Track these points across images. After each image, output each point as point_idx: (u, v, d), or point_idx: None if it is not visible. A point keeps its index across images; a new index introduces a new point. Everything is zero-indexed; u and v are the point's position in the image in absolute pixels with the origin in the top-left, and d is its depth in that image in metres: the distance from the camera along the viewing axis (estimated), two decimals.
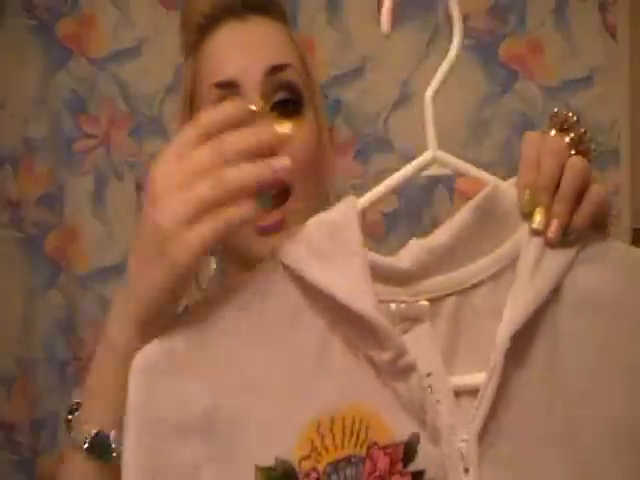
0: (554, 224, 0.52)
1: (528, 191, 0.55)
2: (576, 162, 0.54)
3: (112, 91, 1.19)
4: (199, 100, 0.76)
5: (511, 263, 0.53)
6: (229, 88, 0.73)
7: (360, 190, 1.18)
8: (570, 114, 0.57)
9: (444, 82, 0.61)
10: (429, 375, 0.49)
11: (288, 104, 0.74)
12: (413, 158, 1.21)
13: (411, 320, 0.51)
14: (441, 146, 1.26)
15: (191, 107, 0.77)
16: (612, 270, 0.54)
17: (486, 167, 1.18)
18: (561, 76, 1.15)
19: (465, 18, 1.17)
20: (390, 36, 0.57)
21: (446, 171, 0.56)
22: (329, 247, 0.51)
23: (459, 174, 0.56)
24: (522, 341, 0.50)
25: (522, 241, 0.52)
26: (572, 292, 0.51)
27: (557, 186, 0.53)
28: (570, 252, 0.52)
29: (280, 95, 0.73)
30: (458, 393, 0.50)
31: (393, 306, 0.51)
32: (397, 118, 1.16)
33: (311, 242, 0.51)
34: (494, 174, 1.19)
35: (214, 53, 0.76)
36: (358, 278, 0.49)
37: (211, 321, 0.50)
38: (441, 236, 0.54)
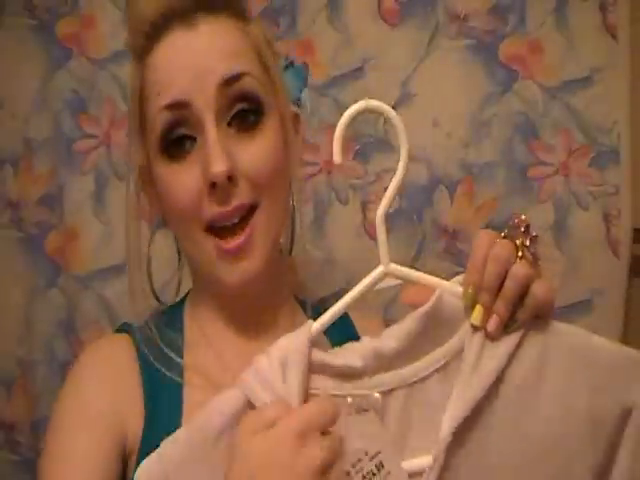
0: (493, 319, 0.57)
1: (471, 289, 0.58)
2: (518, 270, 0.57)
3: (112, 91, 1.19)
4: (149, 121, 0.71)
5: (457, 355, 0.58)
6: (180, 109, 0.68)
7: (360, 190, 1.19)
8: (523, 219, 0.60)
9: (393, 200, 0.66)
10: (378, 454, 0.55)
11: (248, 115, 0.70)
12: (413, 158, 1.22)
13: (365, 411, 0.57)
14: (441, 146, 1.27)
15: (141, 125, 0.73)
16: (550, 360, 0.58)
17: (486, 167, 1.19)
18: (561, 76, 1.15)
19: (465, 18, 1.19)
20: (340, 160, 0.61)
21: (398, 282, 0.60)
22: (274, 377, 0.56)
23: (411, 284, 0.60)
24: (463, 431, 0.56)
25: (467, 335, 0.58)
26: (509, 383, 0.57)
27: (500, 286, 0.57)
28: (510, 344, 0.57)
29: (238, 106, 0.69)
30: (411, 475, 0.57)
31: (349, 399, 0.57)
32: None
33: (259, 371, 0.57)
34: (494, 174, 1.20)
35: (161, 70, 0.69)
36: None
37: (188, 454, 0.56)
38: (390, 341, 0.58)
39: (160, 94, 0.69)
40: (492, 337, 0.57)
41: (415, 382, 0.58)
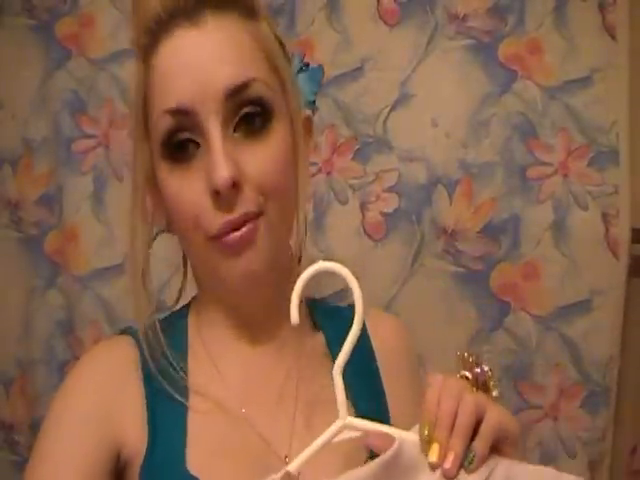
0: (450, 456, 0.57)
1: (427, 428, 0.58)
2: (468, 401, 0.58)
3: (112, 91, 1.19)
4: (152, 123, 0.67)
5: None
6: (183, 115, 0.64)
7: (359, 190, 1.19)
8: (472, 357, 0.62)
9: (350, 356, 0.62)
10: None
11: (254, 118, 0.66)
12: (412, 158, 1.22)
13: None
14: (440, 146, 1.27)
15: (145, 127, 0.69)
16: None
17: (485, 167, 1.19)
18: (561, 76, 1.15)
19: (465, 18, 1.19)
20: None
21: (357, 434, 0.61)
22: None
23: (369, 434, 0.60)
24: None
25: (428, 477, 0.58)
26: None
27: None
28: None
29: (244, 110, 0.65)
30: None
31: None
32: (397, 118, 1.16)
33: None
34: (493, 174, 1.20)
35: (164, 71, 0.66)
36: None
37: None
38: None
39: (163, 97, 0.65)
40: (449, 476, 0.57)
41: None
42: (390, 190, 1.16)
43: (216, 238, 0.65)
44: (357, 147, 1.17)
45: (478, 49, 1.16)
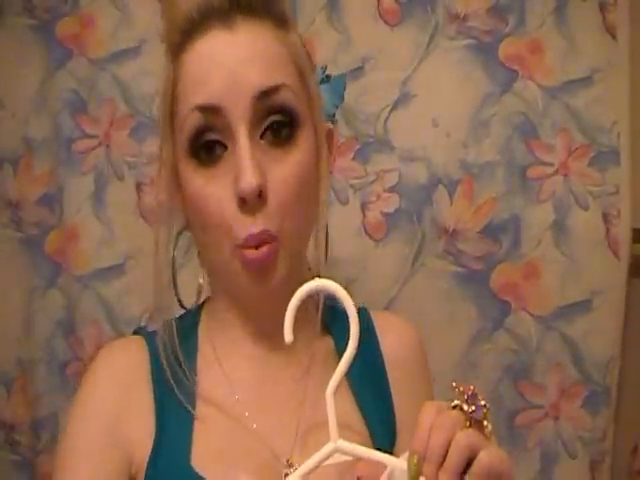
0: None
1: (415, 459, 0.57)
2: (461, 438, 0.56)
3: (112, 91, 1.19)
4: (179, 121, 0.68)
5: None
6: (213, 113, 0.65)
7: (360, 190, 1.19)
8: (468, 387, 0.60)
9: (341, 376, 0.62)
10: None
11: (281, 127, 0.67)
12: (413, 158, 1.22)
13: None
14: (441, 146, 1.27)
15: (172, 124, 0.70)
16: None
17: (486, 167, 1.19)
18: (561, 76, 1.15)
19: (465, 18, 1.19)
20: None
21: (349, 458, 0.60)
22: None
23: (360, 459, 0.60)
24: None
25: None
26: None
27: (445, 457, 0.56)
28: None
29: (272, 118, 0.66)
30: None
31: None
32: (397, 118, 1.16)
33: None
34: (494, 174, 1.20)
35: (196, 67, 0.67)
36: None
37: None
38: None
39: (195, 93, 0.66)
40: None
41: None
42: (391, 190, 1.16)
43: (238, 247, 0.66)
44: (358, 147, 1.16)
45: (479, 49, 1.16)
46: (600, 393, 1.15)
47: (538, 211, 1.14)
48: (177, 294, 0.75)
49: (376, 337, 0.79)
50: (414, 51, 1.16)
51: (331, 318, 0.77)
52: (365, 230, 1.16)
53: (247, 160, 0.63)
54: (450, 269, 1.16)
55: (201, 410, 0.71)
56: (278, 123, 0.66)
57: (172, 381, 0.70)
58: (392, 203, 1.16)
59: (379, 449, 0.61)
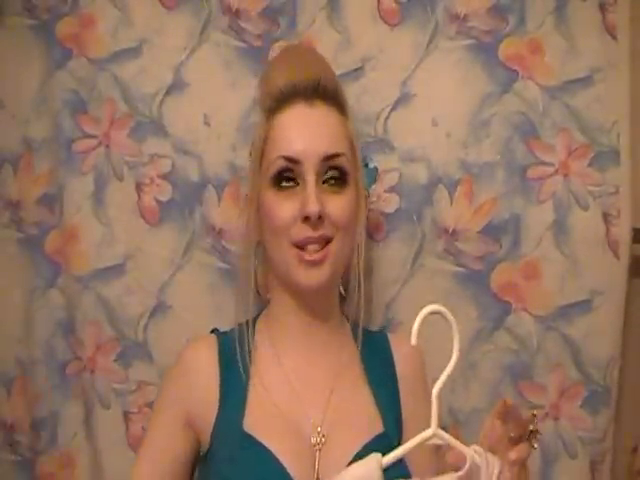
0: None
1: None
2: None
3: (112, 91, 1.19)
4: (266, 162, 0.95)
5: None
6: (293, 162, 0.93)
7: None
8: (533, 413, 0.78)
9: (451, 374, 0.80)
10: None
11: (336, 180, 0.94)
12: (413, 158, 1.22)
13: None
14: (441, 146, 1.27)
15: (260, 163, 0.96)
16: None
17: (486, 167, 1.19)
18: (561, 76, 1.15)
19: (465, 18, 1.19)
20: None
21: (441, 443, 0.76)
22: None
23: (451, 447, 0.76)
24: None
25: None
26: None
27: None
28: None
29: (330, 173, 0.94)
30: None
31: None
32: (397, 118, 1.16)
33: None
34: (494, 174, 1.20)
35: (285, 130, 0.95)
36: None
37: None
38: None
39: (283, 147, 0.94)
40: None
41: None
42: (391, 190, 1.16)
43: (298, 246, 0.92)
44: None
45: (479, 49, 1.16)
46: (600, 393, 1.15)
47: (538, 211, 1.14)
48: (257, 292, 1.01)
49: (391, 353, 1.03)
50: (414, 51, 1.16)
51: (356, 334, 1.02)
52: (365, 230, 1.16)
53: (312, 193, 0.91)
54: (450, 269, 1.16)
55: (255, 384, 0.96)
56: (334, 177, 0.94)
57: (238, 363, 0.96)
58: (392, 203, 1.16)
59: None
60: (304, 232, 0.92)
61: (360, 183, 0.98)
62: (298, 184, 0.94)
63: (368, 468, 0.76)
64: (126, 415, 1.18)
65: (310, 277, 0.93)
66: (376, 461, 0.76)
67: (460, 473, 0.73)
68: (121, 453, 1.17)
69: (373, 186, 1.10)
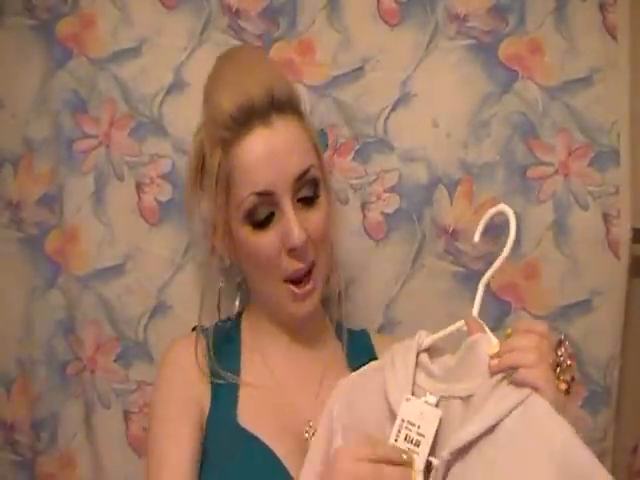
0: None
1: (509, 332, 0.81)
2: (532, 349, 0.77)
3: (112, 91, 1.19)
4: (235, 197, 0.90)
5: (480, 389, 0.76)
6: (265, 195, 0.88)
7: (360, 190, 1.19)
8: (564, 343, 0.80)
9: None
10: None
11: (311, 194, 0.92)
12: (413, 158, 1.22)
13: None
14: (441, 146, 1.27)
15: (227, 201, 0.91)
16: (526, 420, 0.72)
17: (486, 167, 1.19)
18: (561, 76, 1.15)
19: (465, 18, 1.19)
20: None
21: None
22: (399, 363, 0.82)
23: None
24: (462, 450, 0.73)
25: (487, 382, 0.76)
26: (500, 429, 0.71)
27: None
28: (515, 401, 0.72)
29: (304, 192, 0.91)
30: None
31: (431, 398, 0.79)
32: (397, 118, 1.16)
33: (392, 360, 0.84)
34: (494, 174, 1.20)
35: (250, 164, 0.88)
36: (402, 385, 0.80)
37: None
38: (450, 361, 0.81)
39: (248, 182, 0.89)
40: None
41: (462, 397, 0.77)
42: (391, 190, 1.16)
43: (288, 281, 0.92)
44: (358, 147, 1.17)
45: (479, 49, 1.16)
46: (600, 393, 1.15)
47: (538, 211, 1.14)
48: (219, 311, 1.01)
49: (374, 350, 1.03)
50: (414, 51, 1.16)
51: (340, 331, 1.04)
52: (365, 230, 1.16)
53: (294, 223, 0.88)
54: (450, 269, 1.16)
55: (244, 381, 0.96)
56: (308, 193, 0.91)
57: (217, 363, 0.96)
58: (392, 203, 1.16)
59: None
60: (293, 266, 0.91)
61: (327, 182, 0.97)
62: (273, 213, 0.90)
63: (409, 345, 0.83)
64: (126, 415, 1.18)
65: (301, 308, 0.94)
66: (415, 341, 0.83)
67: (469, 340, 0.80)
68: (121, 453, 1.17)
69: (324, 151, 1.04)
